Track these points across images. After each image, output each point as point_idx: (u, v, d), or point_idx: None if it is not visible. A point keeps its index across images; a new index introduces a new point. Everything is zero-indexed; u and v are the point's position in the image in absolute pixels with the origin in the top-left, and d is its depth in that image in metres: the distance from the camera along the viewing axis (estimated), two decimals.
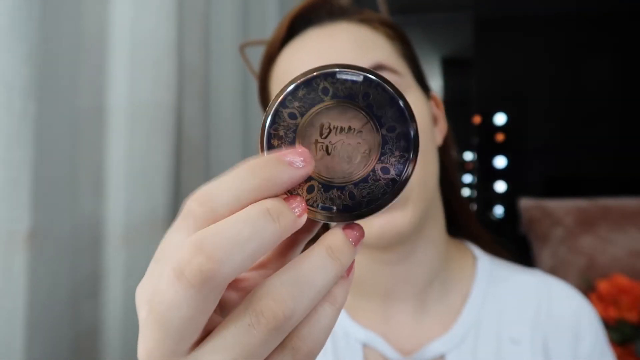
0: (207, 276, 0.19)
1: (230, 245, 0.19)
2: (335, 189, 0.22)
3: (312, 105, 0.22)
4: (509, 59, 2.49)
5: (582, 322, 0.52)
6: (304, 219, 0.21)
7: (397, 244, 0.49)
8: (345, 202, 0.22)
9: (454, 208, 0.58)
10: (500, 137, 2.57)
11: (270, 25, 1.11)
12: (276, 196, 0.21)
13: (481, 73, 2.41)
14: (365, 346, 0.51)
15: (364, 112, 0.22)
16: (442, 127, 0.55)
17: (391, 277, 0.51)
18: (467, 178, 2.51)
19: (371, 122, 0.22)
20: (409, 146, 0.22)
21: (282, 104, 0.22)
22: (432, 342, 0.50)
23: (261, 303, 0.20)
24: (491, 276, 0.55)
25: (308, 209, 0.22)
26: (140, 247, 0.69)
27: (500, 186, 2.56)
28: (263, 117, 0.22)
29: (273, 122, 0.22)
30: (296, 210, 0.21)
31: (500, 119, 2.57)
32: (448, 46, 2.68)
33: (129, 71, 0.68)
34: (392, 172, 0.22)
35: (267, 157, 0.21)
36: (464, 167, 2.49)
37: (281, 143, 0.22)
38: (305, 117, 0.22)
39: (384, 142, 0.22)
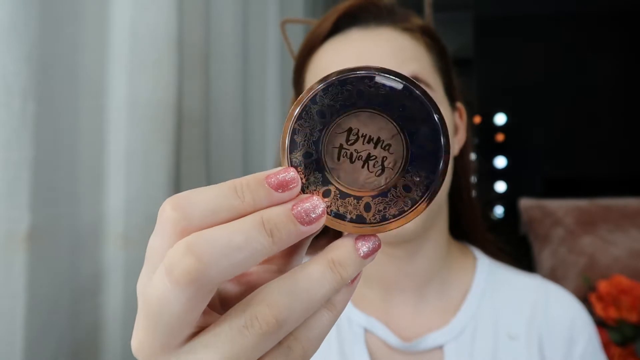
0: (195, 277, 0.19)
1: (220, 251, 0.19)
2: (352, 198, 0.21)
3: (343, 107, 0.20)
4: (509, 59, 2.49)
5: (576, 327, 0.54)
6: (317, 225, 0.21)
7: (400, 243, 0.51)
8: (359, 212, 0.21)
9: (462, 214, 0.60)
10: (500, 137, 2.57)
11: (270, 25, 1.11)
12: (290, 199, 0.21)
13: (481, 73, 2.41)
14: (367, 331, 0.53)
15: (395, 123, 0.20)
16: (461, 137, 0.56)
17: (395, 271, 0.53)
18: (471, 179, 2.51)
19: (401, 135, 0.20)
20: (436, 170, 0.20)
21: (313, 100, 0.20)
22: (432, 333, 0.52)
23: (257, 308, 0.20)
24: (490, 275, 0.57)
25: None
26: (140, 247, 0.69)
27: (500, 186, 2.56)
28: (291, 108, 0.21)
29: (300, 116, 0.20)
30: (314, 214, 0.20)
31: (500, 119, 2.57)
32: (448, 46, 2.68)
33: (129, 71, 0.68)
34: (414, 193, 0.21)
35: (253, 179, 0.21)
36: None
37: (305, 141, 0.20)
38: (334, 118, 0.20)
39: (412, 159, 0.20)
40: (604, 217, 1.54)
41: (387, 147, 0.21)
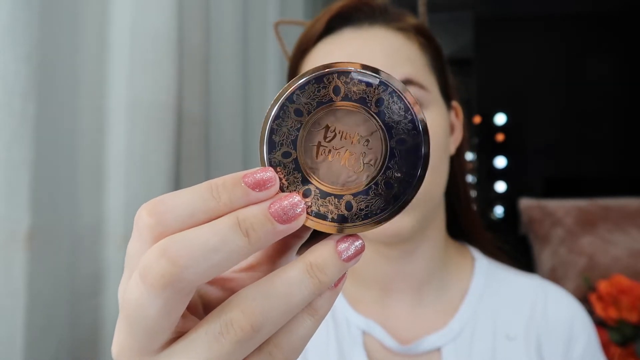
0: (169, 280, 0.19)
1: (195, 253, 0.19)
2: (333, 197, 0.20)
3: (320, 104, 0.20)
4: (509, 59, 2.49)
5: (575, 327, 0.54)
6: (296, 224, 0.20)
7: (396, 243, 0.50)
8: (340, 212, 0.20)
9: (459, 214, 0.59)
10: (500, 137, 2.57)
11: (270, 25, 1.11)
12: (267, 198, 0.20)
13: (481, 73, 2.41)
14: (365, 334, 0.53)
15: (374, 119, 0.20)
16: (457, 137, 0.56)
17: (392, 271, 0.53)
18: (467, 178, 2.51)
19: (380, 131, 0.20)
20: (418, 164, 0.20)
21: (290, 98, 0.20)
22: (429, 335, 0.51)
23: (231, 314, 0.20)
24: (488, 276, 0.56)
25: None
26: None
27: (500, 186, 2.56)
28: (268, 109, 0.20)
29: (277, 116, 0.20)
30: (292, 212, 0.20)
31: (500, 119, 2.57)
32: (448, 46, 2.67)
33: (129, 71, 0.68)
34: (396, 189, 0.20)
35: (229, 179, 0.20)
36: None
37: (282, 140, 0.20)
38: (312, 116, 0.20)
39: (391, 155, 0.20)
40: (603, 217, 1.54)
41: (366, 144, 0.20)
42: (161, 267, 0.19)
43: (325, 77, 0.20)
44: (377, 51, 0.48)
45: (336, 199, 0.20)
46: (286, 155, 0.20)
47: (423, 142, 0.20)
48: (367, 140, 0.20)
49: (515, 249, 0.62)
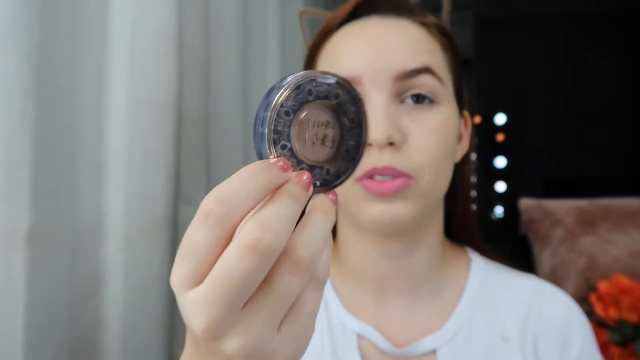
0: (273, 248, 0.24)
1: (283, 224, 0.24)
2: (318, 169, 0.28)
3: (301, 104, 0.27)
4: (509, 59, 2.49)
5: (571, 328, 0.54)
6: (310, 191, 0.27)
7: (393, 232, 0.50)
8: (324, 177, 0.28)
9: (453, 222, 0.59)
10: (500, 137, 2.57)
11: (270, 25, 1.11)
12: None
13: (481, 73, 2.41)
14: (360, 337, 0.52)
15: (334, 108, 0.28)
16: (464, 146, 0.56)
17: (387, 270, 0.53)
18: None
19: (340, 115, 0.28)
20: (361, 131, 0.29)
21: (281, 104, 0.27)
22: (424, 338, 0.51)
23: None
24: (484, 276, 0.56)
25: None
26: (140, 246, 0.69)
27: (500, 186, 2.56)
28: (266, 113, 0.27)
29: (275, 119, 0.27)
30: (306, 181, 0.26)
31: (500, 119, 2.57)
32: None
33: (129, 71, 0.68)
34: (352, 152, 0.29)
35: (263, 163, 0.26)
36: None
37: (279, 136, 0.27)
38: (296, 113, 0.27)
39: (347, 130, 0.28)
40: (603, 217, 1.54)
41: (333, 127, 0.28)
42: (267, 238, 0.24)
43: (301, 84, 0.27)
44: (400, 39, 0.49)
45: (320, 170, 0.28)
46: (284, 147, 0.27)
47: (363, 115, 0.29)
48: (334, 123, 0.28)
49: (515, 249, 0.62)
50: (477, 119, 2.52)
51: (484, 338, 0.52)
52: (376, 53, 0.48)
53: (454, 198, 0.57)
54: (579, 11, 2.42)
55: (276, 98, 0.26)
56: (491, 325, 0.53)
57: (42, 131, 0.56)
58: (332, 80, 0.28)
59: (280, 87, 0.27)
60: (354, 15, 0.52)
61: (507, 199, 2.46)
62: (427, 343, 0.51)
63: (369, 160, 0.45)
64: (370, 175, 0.46)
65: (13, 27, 0.52)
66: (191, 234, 0.25)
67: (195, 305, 0.25)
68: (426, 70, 0.47)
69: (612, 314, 1.20)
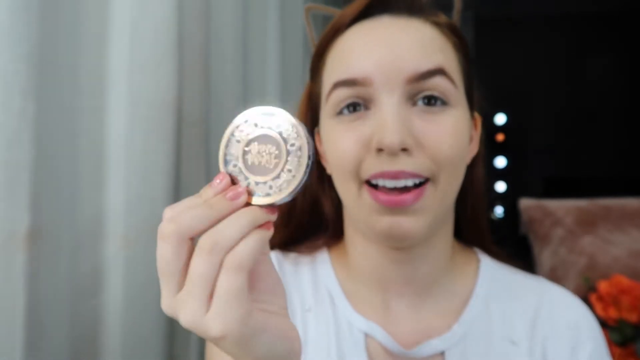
0: (171, 232, 0.31)
1: (186, 216, 0.31)
2: (262, 184, 0.33)
3: (247, 133, 0.34)
4: (509, 59, 2.49)
5: (582, 332, 0.53)
6: (242, 200, 0.32)
7: (402, 246, 0.49)
8: (266, 190, 0.33)
9: (463, 226, 0.58)
10: (500, 137, 2.57)
11: (270, 25, 1.11)
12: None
13: (481, 73, 2.40)
14: (367, 336, 0.52)
15: (277, 135, 0.34)
16: (473, 148, 0.55)
17: (396, 274, 0.52)
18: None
19: (282, 140, 0.33)
20: (303, 154, 0.33)
21: (233, 134, 0.34)
22: (432, 339, 0.51)
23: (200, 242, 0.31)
24: (493, 278, 0.55)
25: (248, 195, 0.33)
26: (140, 246, 0.69)
27: (500, 186, 2.56)
28: (221, 142, 0.34)
29: (227, 145, 0.34)
30: (237, 193, 0.33)
31: (500, 119, 2.57)
32: None
33: (129, 71, 0.68)
34: (294, 171, 0.33)
35: (208, 187, 0.33)
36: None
37: (231, 159, 0.34)
38: (244, 141, 0.34)
39: (288, 153, 0.33)
40: (604, 217, 1.54)
41: (276, 148, 0.34)
42: (169, 226, 0.31)
43: (248, 118, 0.34)
44: (413, 39, 0.47)
45: (264, 185, 0.33)
46: (234, 165, 0.34)
47: (305, 141, 0.33)
48: (276, 147, 0.33)
49: (515, 249, 0.61)
50: None
51: (492, 341, 0.51)
52: (388, 54, 0.46)
53: (464, 201, 0.56)
54: (579, 11, 2.42)
55: (229, 129, 0.34)
56: (499, 328, 0.52)
57: (42, 131, 0.56)
58: (274, 113, 0.34)
59: (234, 120, 0.34)
60: (365, 13, 0.50)
61: (507, 199, 2.46)
62: (435, 345, 0.50)
63: (380, 165, 0.44)
64: (375, 180, 0.45)
65: (13, 27, 0.52)
66: (158, 250, 0.32)
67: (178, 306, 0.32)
68: (439, 71, 0.46)
69: (612, 314, 1.20)
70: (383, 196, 0.44)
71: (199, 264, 0.30)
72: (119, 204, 0.67)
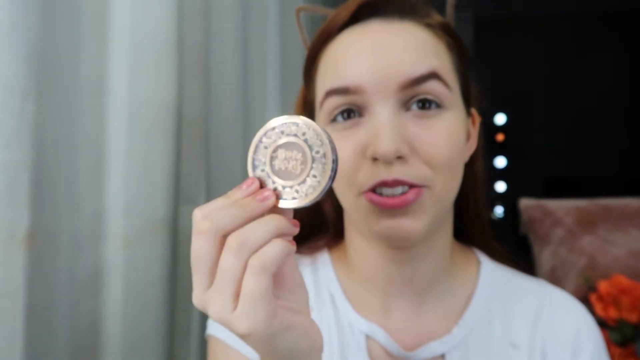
0: (208, 230, 0.32)
1: (220, 214, 0.33)
2: (289, 188, 0.35)
3: (274, 141, 0.36)
4: (509, 59, 2.49)
5: (582, 336, 0.53)
6: (271, 202, 0.34)
7: (403, 246, 0.49)
8: (293, 194, 0.35)
9: (466, 222, 0.58)
10: (500, 137, 2.57)
11: (270, 25, 1.11)
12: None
13: (481, 73, 2.40)
14: (369, 338, 0.52)
15: (303, 142, 0.35)
16: (472, 145, 0.54)
17: (396, 275, 0.52)
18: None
19: (307, 148, 0.35)
20: (327, 161, 0.35)
21: (261, 140, 0.36)
22: (433, 342, 0.51)
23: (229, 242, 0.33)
24: (494, 280, 0.55)
25: (276, 198, 0.35)
26: (140, 246, 0.69)
27: (500, 186, 2.56)
28: (250, 148, 0.36)
29: (255, 151, 0.36)
30: (265, 196, 0.34)
31: (500, 119, 2.57)
32: None
33: (129, 71, 0.68)
34: (319, 177, 0.35)
35: (237, 189, 0.35)
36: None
37: (259, 163, 0.36)
38: (271, 147, 0.36)
39: (313, 160, 0.35)
40: (604, 217, 1.54)
41: (301, 157, 0.35)
42: (204, 223, 0.33)
43: (274, 127, 0.36)
44: (405, 43, 0.46)
45: (291, 189, 0.35)
46: (262, 170, 0.36)
47: (329, 148, 0.35)
48: (301, 153, 0.35)
49: (515, 249, 0.61)
50: None
51: (493, 344, 0.51)
52: (380, 61, 0.46)
53: (466, 197, 0.56)
54: (579, 11, 2.42)
55: (257, 136, 0.36)
56: (500, 331, 0.52)
57: (42, 131, 0.56)
58: (299, 122, 0.36)
59: (262, 128, 0.37)
60: (356, 18, 0.49)
61: (507, 199, 2.46)
62: (435, 348, 0.50)
63: (377, 173, 0.44)
64: (378, 189, 0.44)
65: (13, 27, 0.52)
66: (193, 245, 0.33)
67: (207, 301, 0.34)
68: (433, 75, 0.46)
69: (612, 314, 1.20)
70: (379, 199, 0.44)
71: (227, 260, 0.32)
72: (118, 204, 0.67)
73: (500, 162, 2.57)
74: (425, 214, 0.46)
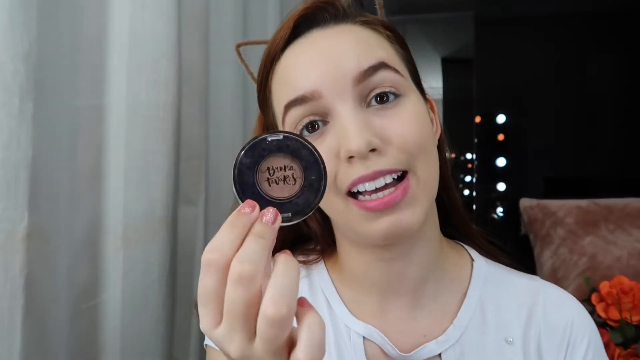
0: (252, 274, 0.32)
1: (254, 255, 0.32)
2: (288, 203, 0.35)
3: (260, 158, 0.35)
4: (509, 59, 2.48)
5: (576, 330, 0.53)
6: (278, 222, 0.34)
7: (403, 241, 0.50)
8: (295, 208, 0.35)
9: (447, 207, 0.58)
10: (500, 137, 2.57)
11: (270, 25, 1.11)
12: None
13: (481, 73, 2.40)
14: (366, 340, 0.52)
15: (290, 156, 0.35)
16: (437, 129, 0.56)
17: (388, 273, 0.52)
18: (467, 178, 2.51)
19: (297, 160, 0.35)
20: (320, 168, 0.35)
21: (241, 162, 0.35)
22: (429, 343, 0.51)
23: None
24: (487, 278, 0.56)
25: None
26: (139, 246, 0.69)
27: (500, 186, 2.56)
28: (232, 168, 0.35)
29: (236, 174, 0.35)
30: (270, 217, 0.34)
31: (500, 119, 2.57)
32: (448, 46, 2.67)
33: (128, 71, 0.68)
34: (314, 186, 0.35)
35: (234, 214, 0.33)
36: (464, 167, 2.49)
37: (247, 185, 0.35)
38: (257, 166, 0.35)
39: (306, 170, 0.35)
40: (604, 217, 1.53)
41: (292, 169, 0.35)
42: (246, 268, 0.32)
43: (255, 144, 0.35)
44: (348, 43, 0.48)
45: (288, 204, 0.35)
46: (252, 192, 0.35)
47: (317, 157, 0.35)
48: (292, 167, 0.35)
49: (515, 249, 0.61)
50: (477, 119, 2.53)
51: (488, 341, 0.51)
52: (329, 63, 0.47)
53: (441, 184, 0.55)
54: (579, 11, 2.42)
55: (236, 158, 0.35)
56: (495, 328, 0.52)
57: (41, 131, 0.56)
58: (280, 137, 0.35)
59: (240, 149, 0.36)
60: (295, 34, 0.51)
61: (507, 199, 2.46)
62: (431, 348, 0.51)
63: (354, 171, 0.44)
64: (361, 186, 0.45)
65: (12, 27, 0.52)
66: (202, 281, 0.33)
67: (224, 340, 0.33)
68: (382, 65, 0.47)
69: (614, 314, 1.20)
70: (370, 203, 0.45)
71: (231, 293, 0.32)
72: (118, 203, 0.67)
73: (500, 162, 2.57)
74: (419, 203, 0.46)
